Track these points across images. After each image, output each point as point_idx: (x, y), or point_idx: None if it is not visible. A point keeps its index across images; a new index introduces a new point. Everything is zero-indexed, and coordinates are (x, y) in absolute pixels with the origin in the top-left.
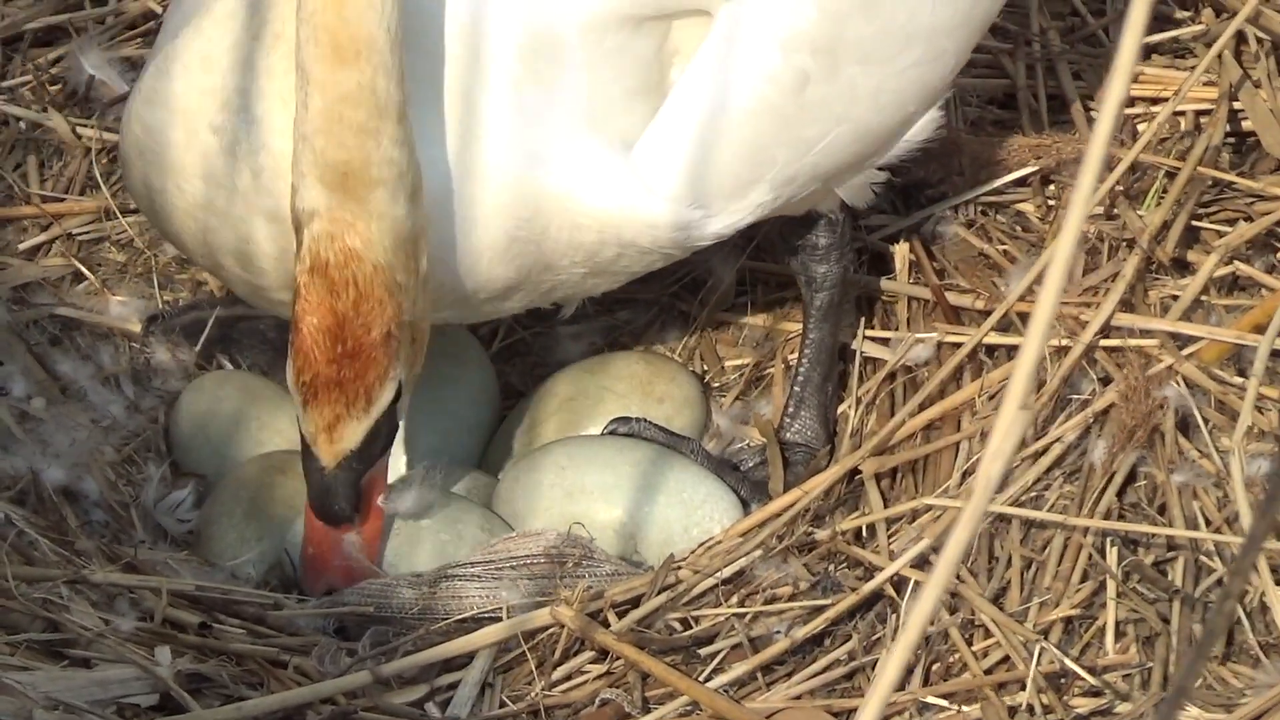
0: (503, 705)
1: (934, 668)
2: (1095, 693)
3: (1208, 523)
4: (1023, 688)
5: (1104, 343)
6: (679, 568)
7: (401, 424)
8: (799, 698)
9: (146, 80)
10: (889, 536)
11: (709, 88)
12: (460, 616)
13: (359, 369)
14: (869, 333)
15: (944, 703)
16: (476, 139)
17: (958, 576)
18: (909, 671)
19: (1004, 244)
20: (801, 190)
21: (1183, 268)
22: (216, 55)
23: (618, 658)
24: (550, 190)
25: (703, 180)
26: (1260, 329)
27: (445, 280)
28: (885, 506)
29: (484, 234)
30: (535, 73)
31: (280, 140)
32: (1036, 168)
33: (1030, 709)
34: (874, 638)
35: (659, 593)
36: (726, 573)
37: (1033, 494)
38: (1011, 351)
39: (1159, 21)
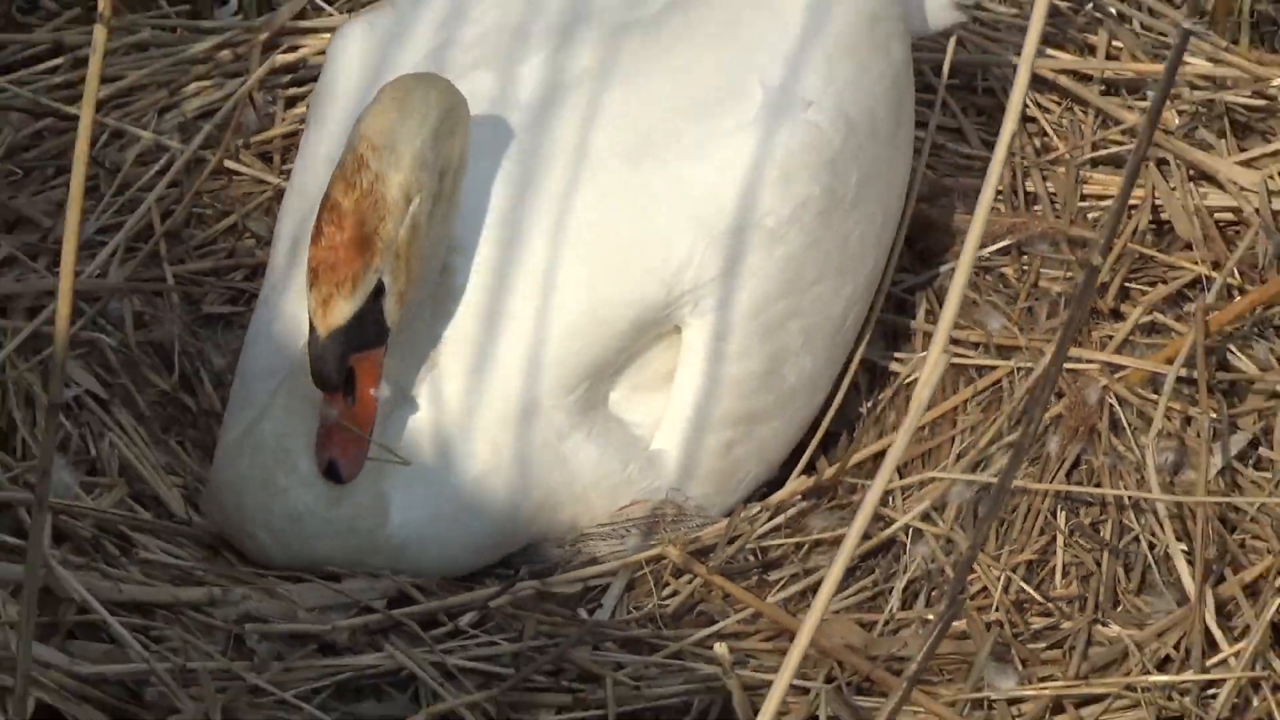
0: (630, 612)
1: (933, 594)
2: (1047, 614)
3: (1129, 497)
4: (996, 609)
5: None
6: (754, 516)
7: None
8: (837, 613)
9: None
10: (903, 499)
11: (668, 460)
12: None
13: (349, 257)
14: (894, 354)
15: (934, 617)
16: (457, 491)
17: (952, 530)
18: (917, 595)
19: (990, 296)
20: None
21: (1117, 316)
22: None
23: (707, 583)
24: (525, 513)
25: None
26: (1170, 361)
27: (425, 567)
28: (900, 478)
29: (460, 548)
30: (512, 434)
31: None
32: (1013, 241)
33: (1000, 624)
34: (890, 572)
35: (732, 540)
36: (783, 518)
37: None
38: (987, 370)
39: (1105, 144)
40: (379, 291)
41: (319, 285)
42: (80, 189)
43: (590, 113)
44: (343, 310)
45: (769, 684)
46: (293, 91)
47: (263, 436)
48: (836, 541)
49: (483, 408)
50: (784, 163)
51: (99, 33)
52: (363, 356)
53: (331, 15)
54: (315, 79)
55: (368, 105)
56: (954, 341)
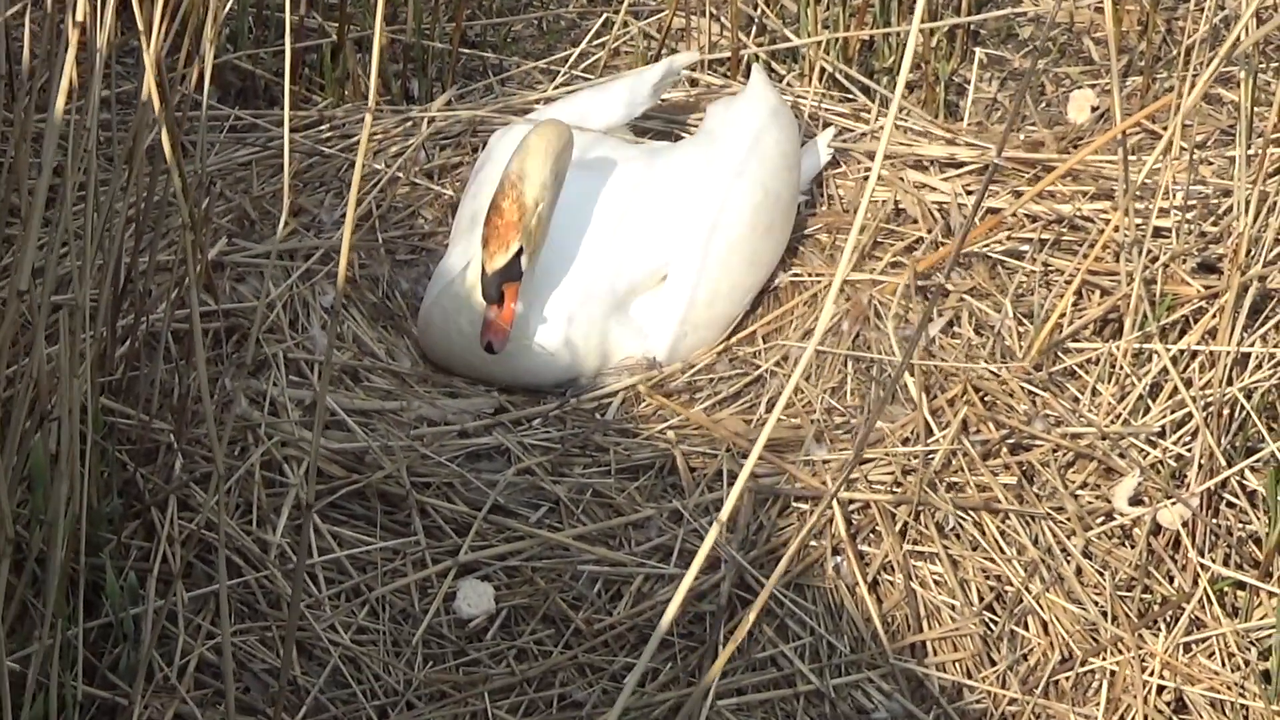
0: (623, 416)
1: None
2: (843, 416)
3: (885, 356)
4: (816, 412)
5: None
6: (686, 368)
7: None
8: (732, 415)
9: (434, 289)
10: (765, 355)
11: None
12: (605, 388)
13: (503, 231)
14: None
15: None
16: (557, 338)
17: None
18: (773, 405)
19: (813, 250)
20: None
21: (874, 257)
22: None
23: (659, 404)
24: (586, 352)
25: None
26: (904, 282)
27: (531, 374)
28: (764, 344)
29: (553, 367)
30: (587, 318)
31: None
32: (826, 227)
33: (817, 421)
34: (759, 393)
35: (674, 378)
36: (702, 365)
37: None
38: (810, 286)
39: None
40: (519, 252)
41: (489, 246)
42: (354, 198)
43: (641, 168)
44: (499, 260)
45: (696, 453)
46: (442, 143)
47: (455, 296)
48: (730, 379)
49: (575, 305)
50: (734, 204)
51: (369, 117)
52: (509, 285)
53: (454, 109)
54: (453, 138)
55: (516, 149)
56: (795, 268)
